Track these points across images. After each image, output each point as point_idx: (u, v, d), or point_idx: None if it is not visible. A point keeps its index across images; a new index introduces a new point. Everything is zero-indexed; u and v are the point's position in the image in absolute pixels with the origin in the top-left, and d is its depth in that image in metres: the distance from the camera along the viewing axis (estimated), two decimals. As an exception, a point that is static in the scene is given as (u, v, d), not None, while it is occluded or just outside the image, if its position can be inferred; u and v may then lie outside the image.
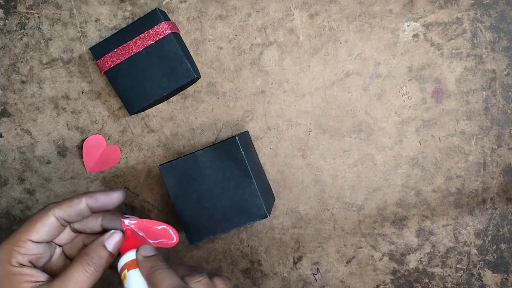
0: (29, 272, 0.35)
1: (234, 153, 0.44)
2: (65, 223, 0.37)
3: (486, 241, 0.51)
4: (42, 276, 0.35)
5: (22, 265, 0.35)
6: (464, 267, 0.51)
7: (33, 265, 0.36)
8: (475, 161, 0.50)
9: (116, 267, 0.37)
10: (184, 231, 0.46)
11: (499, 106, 0.49)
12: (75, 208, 0.37)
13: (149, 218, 0.54)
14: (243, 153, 0.44)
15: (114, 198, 0.38)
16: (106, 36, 0.51)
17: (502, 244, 0.50)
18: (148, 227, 0.37)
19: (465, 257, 0.51)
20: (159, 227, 0.37)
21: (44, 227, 0.36)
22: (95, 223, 0.39)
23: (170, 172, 0.45)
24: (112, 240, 0.37)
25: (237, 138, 0.44)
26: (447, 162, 0.50)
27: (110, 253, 0.37)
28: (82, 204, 0.37)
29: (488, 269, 0.51)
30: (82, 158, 0.53)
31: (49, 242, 0.38)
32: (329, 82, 0.50)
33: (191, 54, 0.51)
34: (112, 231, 0.37)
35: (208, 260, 0.53)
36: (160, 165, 0.46)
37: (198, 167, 0.45)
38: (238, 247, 0.53)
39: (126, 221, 0.37)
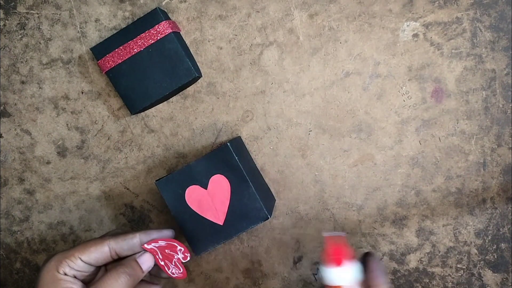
0: (69, 280, 0.40)
1: (228, 159, 0.44)
2: (115, 255, 0.42)
3: (486, 240, 0.51)
4: (79, 285, 0.40)
5: (66, 274, 0.40)
6: (464, 267, 0.51)
7: (76, 277, 0.41)
8: (475, 161, 0.50)
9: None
10: (188, 243, 0.46)
11: (499, 105, 0.49)
12: (128, 242, 0.42)
13: (149, 218, 0.54)
14: (236, 158, 0.44)
15: (165, 234, 0.44)
16: (106, 36, 0.51)
17: (502, 244, 0.50)
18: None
19: (465, 257, 0.51)
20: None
21: (96, 252, 0.41)
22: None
23: (167, 187, 0.45)
24: (143, 258, 0.42)
25: (229, 144, 0.44)
26: (447, 162, 0.50)
27: (141, 268, 0.42)
28: (136, 239, 0.42)
29: (488, 269, 0.51)
30: (82, 158, 0.53)
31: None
32: (329, 82, 0.50)
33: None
34: (144, 251, 0.42)
35: (208, 260, 0.53)
36: (156, 181, 0.46)
37: (194, 177, 0.45)
38: (238, 247, 0.53)
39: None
